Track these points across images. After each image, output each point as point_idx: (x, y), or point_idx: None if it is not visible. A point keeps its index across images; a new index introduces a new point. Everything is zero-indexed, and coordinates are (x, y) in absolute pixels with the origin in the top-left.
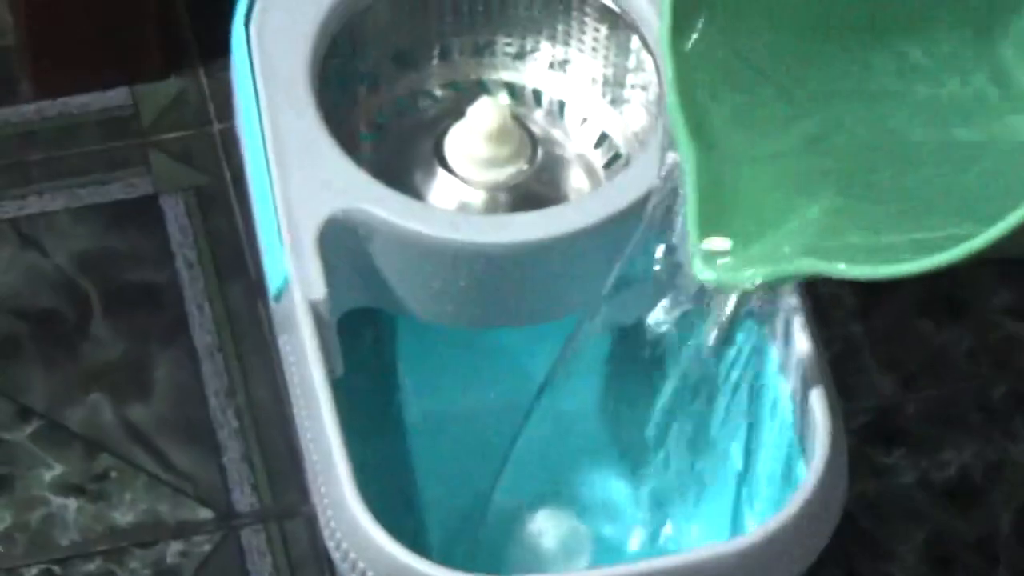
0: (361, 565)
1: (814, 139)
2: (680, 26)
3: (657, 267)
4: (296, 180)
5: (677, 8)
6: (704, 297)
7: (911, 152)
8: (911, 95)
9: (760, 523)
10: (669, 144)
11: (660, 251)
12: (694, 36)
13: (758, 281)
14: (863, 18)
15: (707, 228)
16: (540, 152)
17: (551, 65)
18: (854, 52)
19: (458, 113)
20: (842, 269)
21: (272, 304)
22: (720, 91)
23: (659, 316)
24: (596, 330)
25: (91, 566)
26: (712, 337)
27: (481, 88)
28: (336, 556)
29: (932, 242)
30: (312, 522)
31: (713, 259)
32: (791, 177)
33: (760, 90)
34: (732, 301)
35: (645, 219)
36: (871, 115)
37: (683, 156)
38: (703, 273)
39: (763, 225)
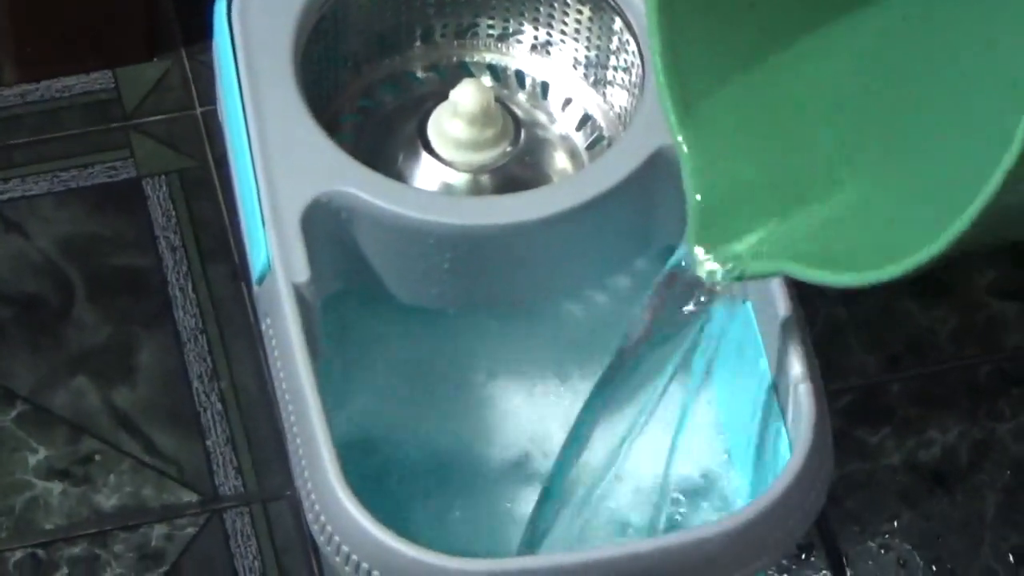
0: (345, 548)
1: (810, 131)
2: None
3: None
4: (279, 163)
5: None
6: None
7: (911, 139)
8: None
9: (746, 504)
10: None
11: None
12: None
13: (750, 277)
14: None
15: (706, 226)
16: (523, 134)
17: (534, 47)
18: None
19: (441, 95)
20: (837, 278)
21: (255, 287)
22: (713, 82)
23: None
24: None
25: (76, 550)
26: (694, 318)
27: (464, 70)
28: (320, 539)
29: (922, 240)
30: (297, 505)
31: (711, 256)
32: (787, 175)
33: (753, 81)
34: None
35: None
36: (873, 96)
37: (679, 154)
38: (702, 270)
39: (760, 224)
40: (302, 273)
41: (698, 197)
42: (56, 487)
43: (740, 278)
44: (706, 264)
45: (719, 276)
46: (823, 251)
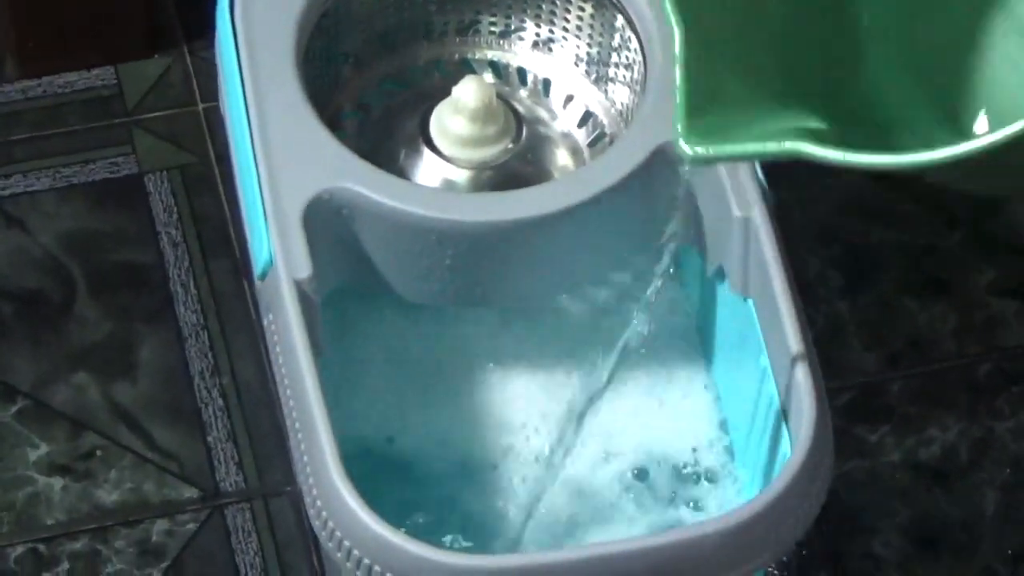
0: (347, 543)
1: (805, 23)
2: None
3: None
4: (281, 159)
5: None
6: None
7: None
8: None
9: (746, 501)
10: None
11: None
12: None
13: (739, 155)
14: None
15: (696, 107)
16: (525, 131)
17: (536, 44)
18: None
19: (443, 92)
20: (827, 154)
21: (257, 283)
22: None
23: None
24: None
25: (76, 545)
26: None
27: (466, 67)
28: (322, 534)
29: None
30: (298, 500)
31: (698, 133)
32: (782, 63)
33: None
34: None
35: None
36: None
37: (671, 30)
38: (688, 144)
39: (752, 108)
40: (304, 269)
41: (688, 89)
42: (57, 483)
43: (733, 158)
44: (697, 145)
45: (708, 152)
46: (837, 135)
